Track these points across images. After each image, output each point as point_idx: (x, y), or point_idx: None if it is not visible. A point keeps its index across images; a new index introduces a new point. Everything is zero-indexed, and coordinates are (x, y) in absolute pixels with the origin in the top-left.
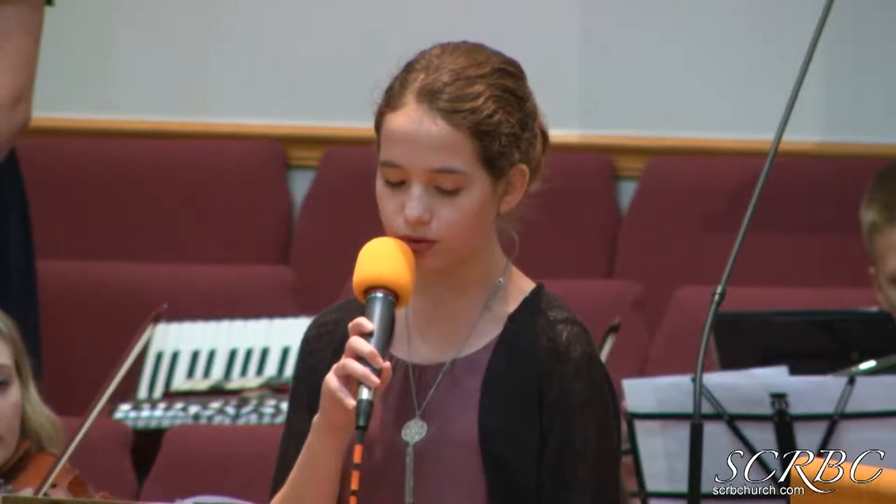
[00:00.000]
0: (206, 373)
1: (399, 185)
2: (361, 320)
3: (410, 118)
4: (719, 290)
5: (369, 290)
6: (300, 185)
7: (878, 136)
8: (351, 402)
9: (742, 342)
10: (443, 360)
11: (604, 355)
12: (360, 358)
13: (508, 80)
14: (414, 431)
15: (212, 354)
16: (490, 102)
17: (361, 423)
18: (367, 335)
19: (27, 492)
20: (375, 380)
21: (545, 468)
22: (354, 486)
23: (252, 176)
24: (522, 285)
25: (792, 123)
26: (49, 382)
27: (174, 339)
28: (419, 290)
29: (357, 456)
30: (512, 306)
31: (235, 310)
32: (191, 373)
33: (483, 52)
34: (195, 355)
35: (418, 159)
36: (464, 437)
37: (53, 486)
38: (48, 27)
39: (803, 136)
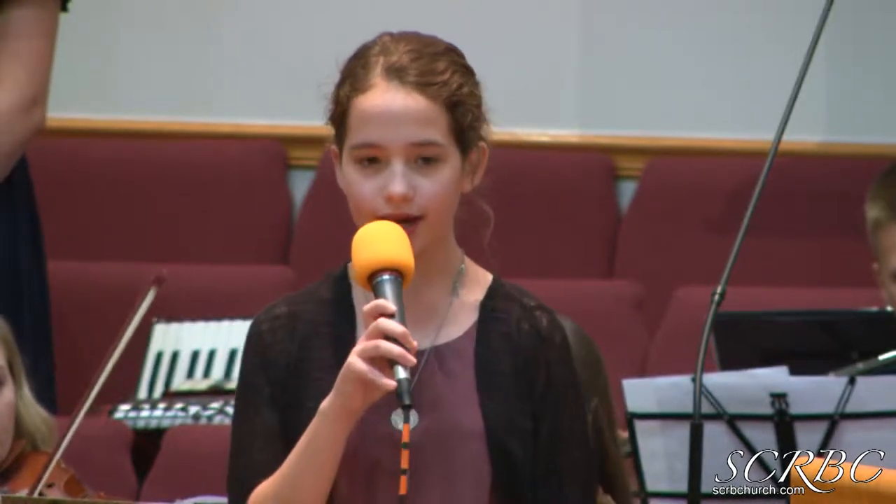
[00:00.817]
0: (206, 373)
1: (374, 168)
2: (381, 302)
3: (384, 96)
4: (719, 290)
5: (376, 273)
6: (300, 185)
7: (878, 137)
8: (390, 383)
9: (742, 342)
10: (419, 346)
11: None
12: (390, 338)
13: (461, 58)
14: (405, 419)
15: (212, 354)
16: (456, 76)
17: (407, 401)
18: (391, 316)
19: (23, 492)
20: (412, 359)
21: (539, 453)
22: (404, 465)
23: (252, 176)
24: (481, 274)
25: (792, 123)
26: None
27: (174, 339)
28: None
29: (406, 435)
30: (478, 293)
31: (235, 310)
32: (191, 373)
33: (429, 36)
34: (195, 355)
35: (397, 134)
36: (469, 428)
37: (50, 485)
38: None
39: (803, 136)
